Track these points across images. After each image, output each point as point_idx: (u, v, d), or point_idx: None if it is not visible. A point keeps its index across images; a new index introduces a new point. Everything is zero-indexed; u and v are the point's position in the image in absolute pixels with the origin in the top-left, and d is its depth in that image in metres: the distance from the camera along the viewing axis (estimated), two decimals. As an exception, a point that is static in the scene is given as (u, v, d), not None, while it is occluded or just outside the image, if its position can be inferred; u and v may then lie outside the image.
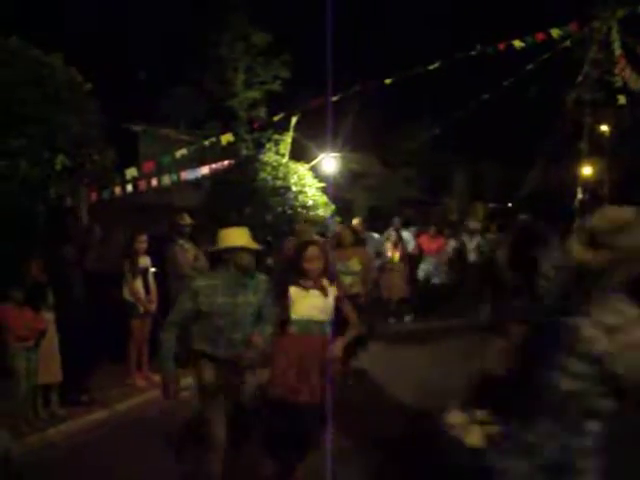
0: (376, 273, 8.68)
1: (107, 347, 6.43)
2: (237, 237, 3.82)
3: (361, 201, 15.08)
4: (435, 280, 10.91)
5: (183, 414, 5.27)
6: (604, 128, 17.26)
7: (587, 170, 18.37)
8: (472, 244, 10.81)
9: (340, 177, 11.65)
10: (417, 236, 11.25)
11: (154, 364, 6.73)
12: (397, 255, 9.69)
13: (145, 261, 6.47)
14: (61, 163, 5.53)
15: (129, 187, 7.52)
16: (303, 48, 10.30)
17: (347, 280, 6.31)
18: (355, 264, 6.53)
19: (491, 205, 23.58)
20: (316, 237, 8.19)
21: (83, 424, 5.31)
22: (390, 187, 15.90)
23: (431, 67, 7.93)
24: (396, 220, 10.69)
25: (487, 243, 11.07)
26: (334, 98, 8.03)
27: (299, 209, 9.12)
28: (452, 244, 11.22)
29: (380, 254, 9.53)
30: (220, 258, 3.82)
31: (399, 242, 10.08)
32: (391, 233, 10.15)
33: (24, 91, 5.19)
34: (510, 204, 24.30)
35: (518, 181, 17.03)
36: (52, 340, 5.20)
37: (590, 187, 17.35)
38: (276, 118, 8.78)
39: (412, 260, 10.55)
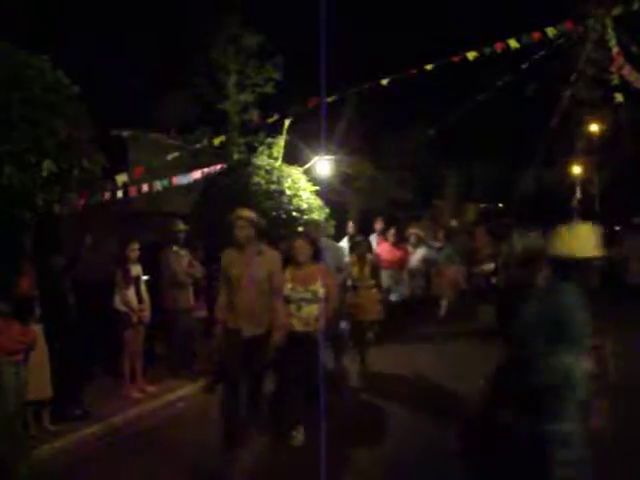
0: (351, 296, 6.79)
1: (100, 358, 6.25)
2: (591, 242, 2.80)
3: (355, 204, 15.00)
4: (392, 297, 9.09)
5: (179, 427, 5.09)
6: (594, 127, 17.31)
7: (577, 169, 18.50)
8: (417, 255, 9.83)
9: (334, 180, 11.48)
10: (377, 244, 9.58)
11: (149, 375, 6.56)
12: (367, 269, 6.91)
13: (137, 269, 6.31)
14: (48, 169, 5.30)
15: (119, 193, 7.32)
16: (296, 50, 10.16)
17: (312, 311, 4.91)
18: (319, 288, 4.95)
19: (483, 205, 23.61)
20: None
21: (77, 439, 5.14)
22: (383, 189, 15.84)
23: (428, 67, 7.83)
24: (350, 226, 9.49)
25: (432, 252, 9.97)
26: (328, 99, 7.88)
27: (293, 213, 8.95)
28: (421, 252, 10.00)
29: (341, 269, 6.82)
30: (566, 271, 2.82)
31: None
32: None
33: (9, 93, 4.98)
34: (501, 204, 24.39)
35: (511, 183, 17.01)
36: (41, 354, 4.98)
37: (581, 186, 17.43)
38: (269, 121, 8.61)
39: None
